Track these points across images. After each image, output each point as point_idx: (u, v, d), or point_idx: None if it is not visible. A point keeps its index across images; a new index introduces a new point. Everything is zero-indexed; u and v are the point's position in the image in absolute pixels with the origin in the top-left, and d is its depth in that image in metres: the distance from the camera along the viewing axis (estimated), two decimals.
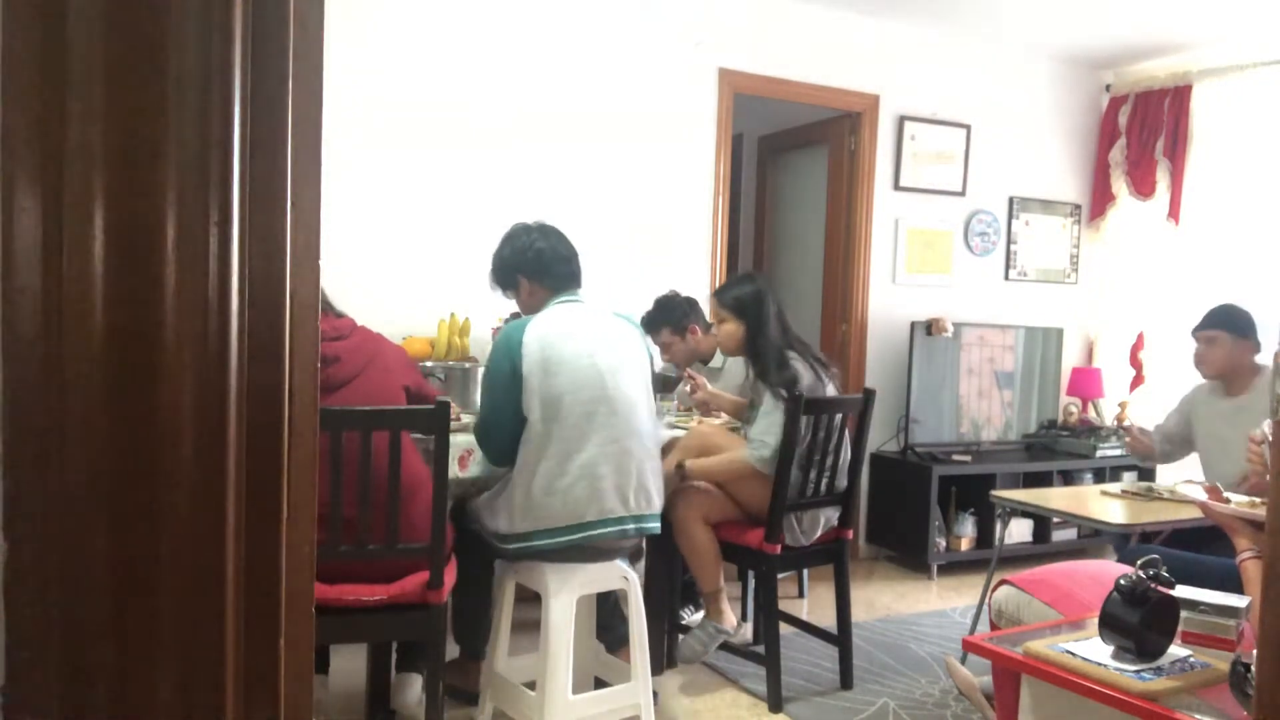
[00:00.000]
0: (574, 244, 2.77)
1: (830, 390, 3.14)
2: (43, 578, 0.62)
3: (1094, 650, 1.80)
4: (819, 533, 3.17)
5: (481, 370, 3.29)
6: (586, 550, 2.57)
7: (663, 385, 4.03)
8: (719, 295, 3.29)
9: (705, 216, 4.46)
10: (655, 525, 2.69)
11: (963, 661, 3.23)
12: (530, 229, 2.73)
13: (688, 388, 3.68)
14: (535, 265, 2.68)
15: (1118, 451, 4.97)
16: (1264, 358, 3.80)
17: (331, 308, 2.54)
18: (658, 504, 2.70)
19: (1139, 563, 1.82)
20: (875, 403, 3.25)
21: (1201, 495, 2.20)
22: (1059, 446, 5.04)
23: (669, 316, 3.79)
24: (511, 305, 3.00)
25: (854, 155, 4.86)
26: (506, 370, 2.51)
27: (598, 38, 4.14)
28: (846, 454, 3.21)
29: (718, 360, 3.86)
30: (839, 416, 3.16)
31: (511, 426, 2.52)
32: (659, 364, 4.05)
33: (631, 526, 2.61)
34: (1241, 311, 3.56)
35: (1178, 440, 3.71)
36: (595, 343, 2.57)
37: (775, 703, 2.99)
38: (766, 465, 3.00)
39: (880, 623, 3.85)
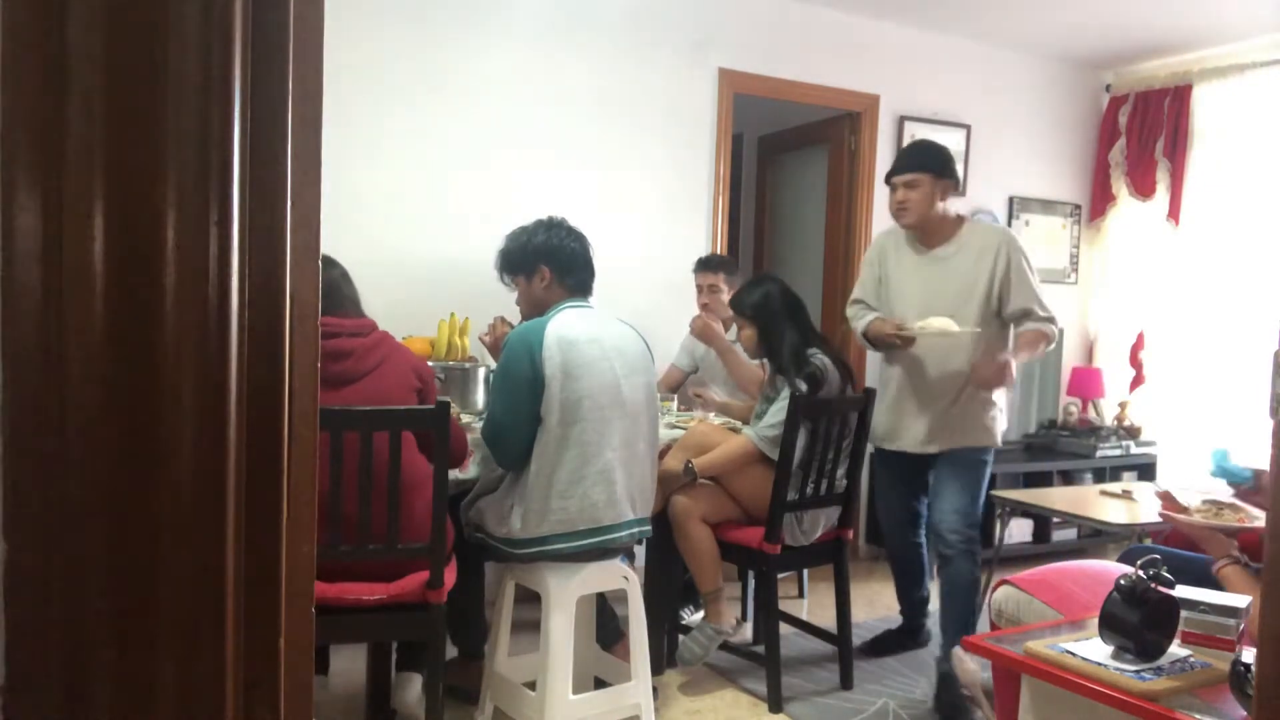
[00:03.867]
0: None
1: (849, 390, 3.16)
2: (43, 578, 0.62)
3: (1094, 650, 1.80)
4: (819, 533, 3.17)
5: (483, 371, 3.30)
6: (593, 551, 2.57)
7: (668, 386, 4.04)
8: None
9: (705, 216, 4.46)
10: (650, 528, 2.75)
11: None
12: (566, 228, 2.72)
13: (698, 401, 3.68)
14: (565, 261, 2.68)
15: (1118, 451, 4.97)
16: (970, 207, 3.68)
17: (357, 308, 2.55)
18: (652, 507, 2.75)
19: (1139, 563, 1.82)
20: (875, 402, 3.25)
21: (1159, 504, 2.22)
22: (1059, 446, 5.04)
23: (730, 266, 3.94)
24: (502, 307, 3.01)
25: (854, 155, 4.86)
26: (527, 373, 2.49)
27: (598, 38, 4.14)
28: (847, 453, 3.21)
29: (732, 333, 3.85)
30: (851, 416, 3.17)
31: (529, 429, 2.51)
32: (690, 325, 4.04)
33: (637, 530, 2.65)
34: (940, 148, 3.25)
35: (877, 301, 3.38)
36: (609, 347, 2.58)
37: (775, 703, 2.99)
38: (768, 445, 3.01)
39: (880, 623, 3.84)
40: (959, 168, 5.01)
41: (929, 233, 3.18)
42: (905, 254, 3.25)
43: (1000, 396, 3.20)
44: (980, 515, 3.23)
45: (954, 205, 3.28)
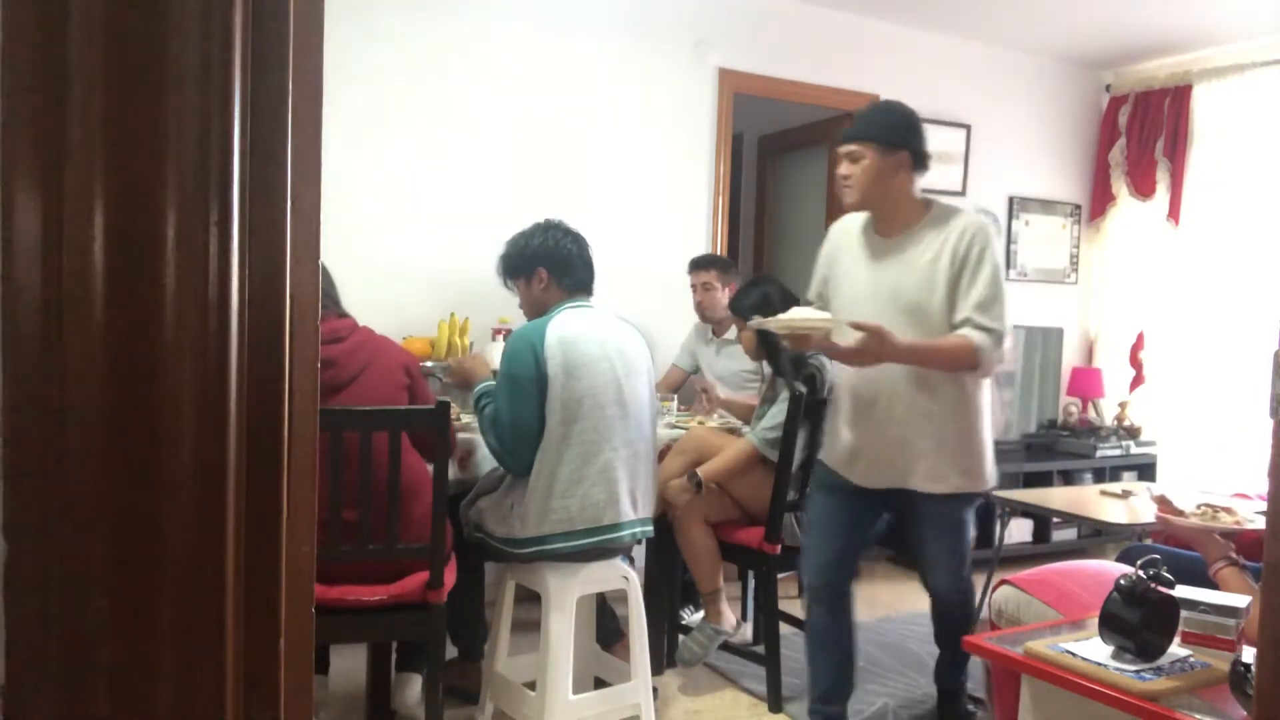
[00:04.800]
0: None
1: None
2: (43, 578, 0.62)
3: (1094, 650, 1.80)
4: None
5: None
6: (593, 551, 2.57)
7: (672, 386, 4.05)
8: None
9: (705, 216, 4.46)
10: (651, 528, 2.75)
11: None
12: (563, 229, 2.72)
13: (703, 398, 3.69)
14: (562, 262, 2.68)
15: (1118, 452, 4.97)
16: (971, 201, 2.91)
17: (337, 307, 2.53)
18: (653, 507, 2.75)
19: (1139, 563, 1.83)
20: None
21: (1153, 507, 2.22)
22: (1059, 446, 5.04)
23: (722, 263, 3.95)
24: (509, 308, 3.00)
25: None
26: (532, 374, 2.48)
27: (598, 38, 4.14)
28: None
29: (731, 333, 3.85)
30: None
31: (539, 431, 2.50)
32: (692, 320, 4.06)
33: (639, 530, 2.65)
34: (896, 112, 2.60)
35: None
36: (610, 346, 2.58)
37: (775, 703, 2.99)
38: (768, 447, 3.01)
39: (880, 623, 3.84)
40: (959, 168, 5.04)
41: (885, 218, 2.58)
42: (857, 245, 2.64)
43: (986, 427, 2.58)
44: (970, 563, 2.73)
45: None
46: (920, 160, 2.55)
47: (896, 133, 2.52)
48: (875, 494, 2.62)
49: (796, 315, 2.40)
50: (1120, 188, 5.33)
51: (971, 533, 2.68)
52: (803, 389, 2.98)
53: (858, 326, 2.29)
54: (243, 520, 0.67)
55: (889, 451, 2.55)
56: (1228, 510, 2.22)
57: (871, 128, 2.53)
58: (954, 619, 2.81)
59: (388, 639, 2.73)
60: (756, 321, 2.57)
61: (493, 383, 2.69)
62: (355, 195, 3.69)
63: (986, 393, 2.58)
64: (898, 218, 2.56)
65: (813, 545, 2.77)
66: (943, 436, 2.51)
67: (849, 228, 2.70)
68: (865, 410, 2.57)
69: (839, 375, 2.71)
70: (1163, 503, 2.29)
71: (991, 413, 2.61)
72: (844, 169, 2.55)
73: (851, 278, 2.63)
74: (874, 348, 2.31)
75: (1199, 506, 2.25)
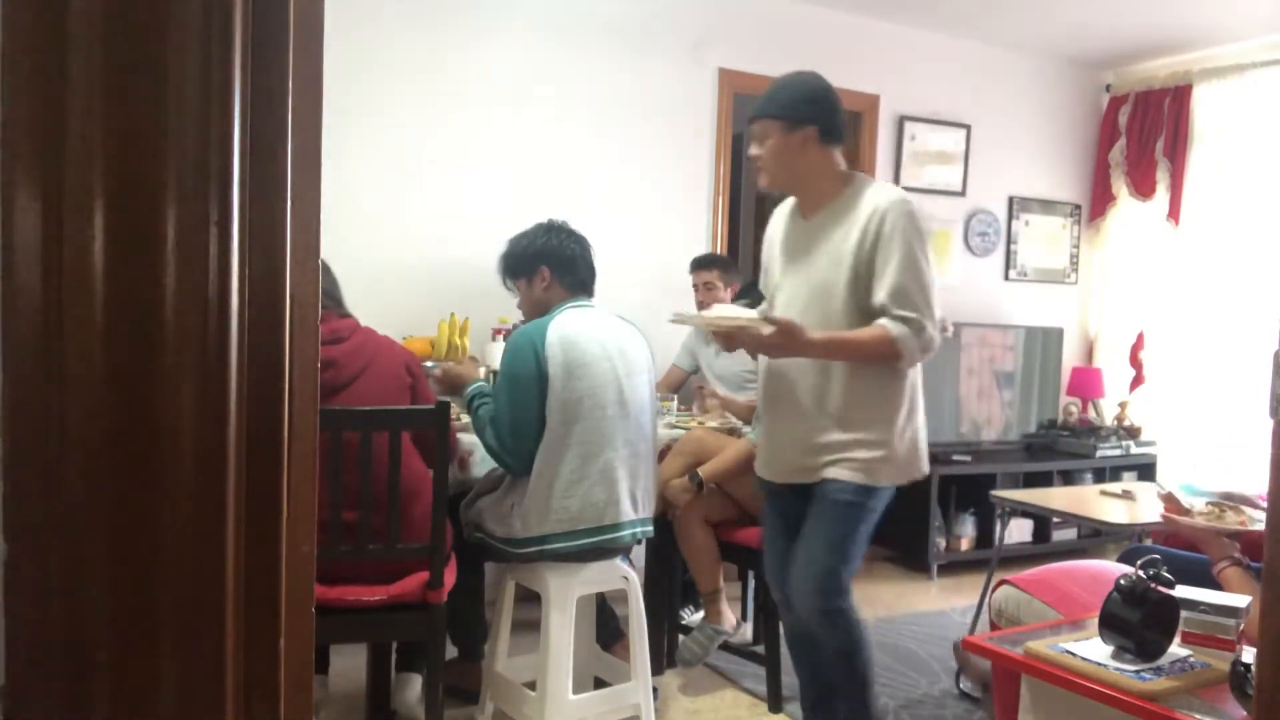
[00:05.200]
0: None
1: None
2: (43, 578, 0.62)
3: (1094, 650, 1.80)
4: None
5: (483, 370, 3.30)
6: (593, 551, 2.57)
7: (675, 386, 4.05)
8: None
9: (705, 216, 4.46)
10: (652, 528, 2.74)
11: (960, 667, 3.22)
12: (566, 230, 2.72)
13: (702, 399, 3.69)
14: (565, 261, 2.67)
15: (1118, 452, 4.97)
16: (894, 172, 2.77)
17: (338, 306, 2.53)
18: (653, 507, 2.74)
19: (1139, 563, 1.83)
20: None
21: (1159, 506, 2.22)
22: (1059, 446, 5.04)
23: (724, 263, 3.95)
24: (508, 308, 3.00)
25: (854, 155, 4.86)
26: (533, 373, 2.48)
27: (598, 38, 4.14)
28: None
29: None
30: None
31: (539, 430, 2.49)
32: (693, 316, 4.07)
33: (639, 530, 2.65)
34: (802, 85, 2.36)
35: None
36: (611, 346, 2.58)
37: (775, 703, 2.99)
38: None
39: (880, 623, 3.84)
40: (959, 168, 5.04)
41: (804, 198, 2.42)
42: (783, 231, 2.50)
43: (903, 420, 2.41)
44: (845, 575, 2.42)
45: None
46: (830, 133, 2.34)
47: (798, 107, 2.32)
48: (797, 492, 2.42)
49: (717, 313, 2.30)
50: (1120, 188, 5.33)
51: (862, 545, 2.41)
52: None
53: (769, 321, 2.18)
54: (243, 520, 0.67)
55: (790, 441, 2.39)
56: (1234, 509, 2.22)
57: (771, 104, 2.35)
58: (824, 652, 2.49)
59: (388, 639, 2.73)
60: (675, 316, 2.41)
61: (485, 383, 2.70)
62: (355, 195, 3.69)
63: (908, 384, 2.41)
64: (816, 197, 2.39)
65: (765, 554, 2.62)
66: (844, 429, 2.31)
67: (780, 213, 2.56)
68: (774, 402, 2.44)
69: (760, 368, 2.56)
70: (1169, 501, 2.29)
71: (919, 408, 2.47)
72: (752, 150, 2.39)
73: (779, 264, 2.49)
74: (781, 343, 2.19)
75: (1207, 505, 2.25)
